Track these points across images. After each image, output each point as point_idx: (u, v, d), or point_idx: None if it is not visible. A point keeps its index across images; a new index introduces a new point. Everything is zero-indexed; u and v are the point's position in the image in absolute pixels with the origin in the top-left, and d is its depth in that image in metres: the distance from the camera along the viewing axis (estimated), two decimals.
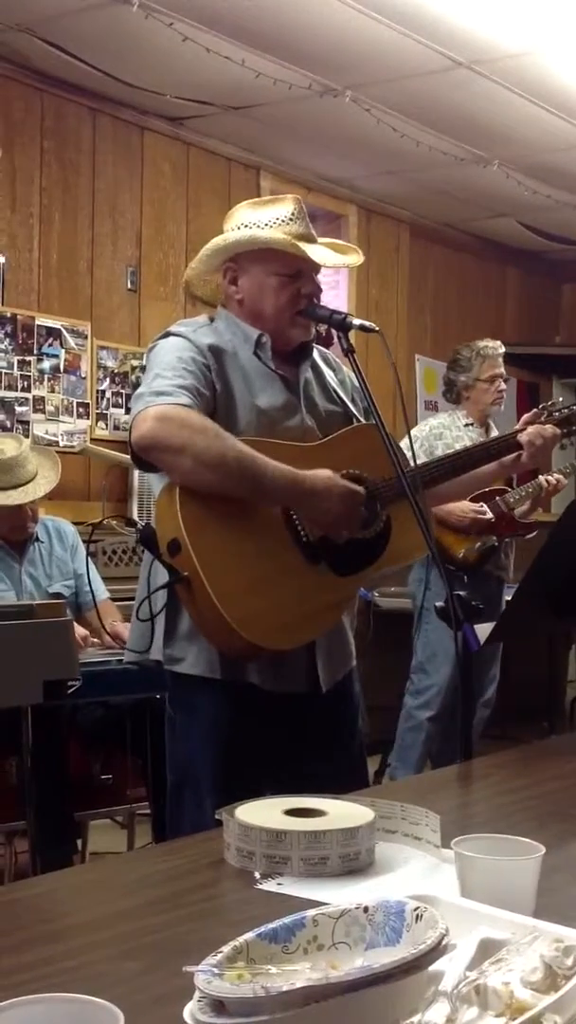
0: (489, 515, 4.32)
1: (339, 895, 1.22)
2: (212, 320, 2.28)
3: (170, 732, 2.26)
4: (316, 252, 2.22)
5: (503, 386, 4.59)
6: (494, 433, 4.59)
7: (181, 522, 2.04)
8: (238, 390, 2.20)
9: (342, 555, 2.20)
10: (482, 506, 4.31)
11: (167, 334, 2.24)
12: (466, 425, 4.51)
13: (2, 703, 2.31)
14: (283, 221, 2.22)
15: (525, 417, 2.49)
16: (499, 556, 4.44)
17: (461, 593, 2.02)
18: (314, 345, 2.35)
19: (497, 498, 4.35)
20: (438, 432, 4.48)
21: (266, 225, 2.23)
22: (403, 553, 2.33)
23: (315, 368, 2.35)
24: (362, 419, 2.35)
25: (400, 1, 4.32)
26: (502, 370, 4.58)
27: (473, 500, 4.25)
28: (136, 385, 5.49)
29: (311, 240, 2.25)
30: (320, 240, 2.29)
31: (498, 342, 4.63)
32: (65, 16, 4.52)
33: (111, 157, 5.47)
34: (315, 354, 2.36)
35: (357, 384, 2.36)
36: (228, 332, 2.25)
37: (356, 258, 2.35)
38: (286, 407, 2.24)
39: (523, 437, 2.41)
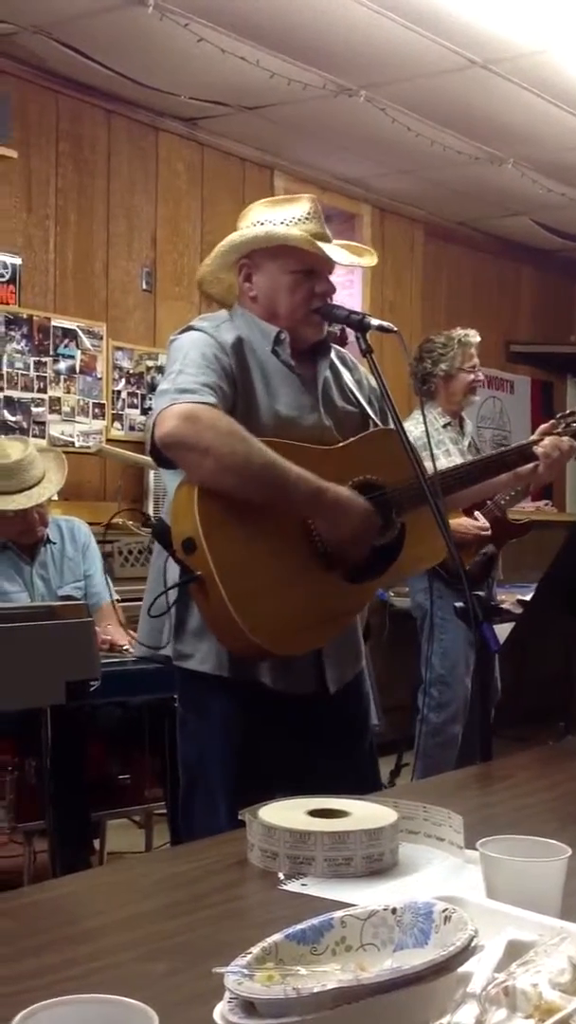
0: (489, 531, 4.24)
1: (364, 896, 1.22)
2: (232, 316, 2.27)
3: (181, 732, 2.26)
4: (332, 251, 2.22)
5: (480, 376, 4.50)
6: (468, 427, 4.54)
7: (198, 521, 2.02)
8: (258, 388, 2.19)
9: (356, 562, 2.19)
10: (481, 519, 4.23)
11: (189, 328, 2.23)
12: (444, 426, 4.36)
13: (26, 704, 2.32)
14: (299, 220, 2.22)
15: (542, 428, 2.47)
16: (498, 562, 4.39)
17: (480, 593, 2.02)
18: (332, 344, 2.34)
19: (488, 502, 4.23)
20: (422, 443, 4.36)
21: (281, 223, 2.22)
22: (416, 562, 2.31)
23: (333, 368, 2.34)
24: (378, 420, 2.34)
25: (415, 0, 4.31)
26: (477, 360, 4.49)
27: (466, 510, 4.15)
28: (152, 386, 5.53)
29: (327, 240, 2.24)
30: (335, 241, 2.29)
31: (473, 330, 4.45)
32: (80, 18, 4.53)
33: (126, 158, 5.48)
34: (332, 353, 2.36)
35: (374, 385, 2.36)
36: (247, 328, 2.23)
37: (370, 259, 2.34)
38: (304, 406, 2.24)
39: (539, 449, 2.39)
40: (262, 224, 2.23)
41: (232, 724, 2.16)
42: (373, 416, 2.35)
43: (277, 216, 2.24)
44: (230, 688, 2.16)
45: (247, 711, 2.16)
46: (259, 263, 2.24)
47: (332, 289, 2.26)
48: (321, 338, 2.29)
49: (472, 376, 4.38)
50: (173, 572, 2.09)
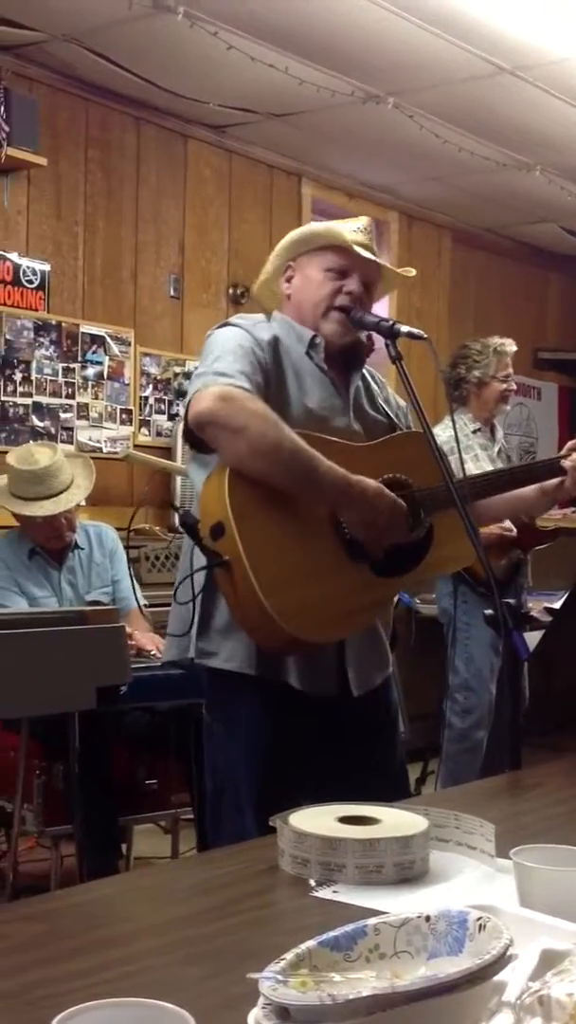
0: (514, 531, 4.22)
1: (395, 903, 1.22)
2: (268, 318, 2.31)
3: (207, 736, 2.26)
4: (368, 255, 2.24)
5: (513, 385, 4.50)
6: (499, 435, 4.53)
7: (229, 505, 2.02)
8: (291, 385, 2.22)
9: (383, 556, 2.19)
10: (506, 521, 4.21)
11: (226, 324, 2.26)
12: (474, 432, 4.36)
13: (57, 708, 2.33)
14: (351, 231, 2.27)
15: (570, 444, 2.46)
16: (526, 567, 4.37)
17: (510, 601, 2.02)
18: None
19: None
20: (450, 447, 4.38)
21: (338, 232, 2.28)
22: (444, 563, 2.33)
23: (364, 380, 2.38)
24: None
25: (443, 7, 4.32)
26: (511, 370, 4.49)
27: None
28: (179, 392, 5.55)
29: (373, 253, 2.28)
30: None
31: (509, 339, 4.47)
32: (111, 26, 4.56)
33: (155, 165, 5.51)
34: (364, 370, 2.39)
35: (402, 404, 2.41)
36: (282, 330, 2.27)
37: (407, 270, 2.37)
38: (336, 407, 2.27)
39: (567, 463, 2.37)
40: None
41: (258, 726, 2.16)
42: (402, 429, 2.38)
43: (331, 227, 2.31)
44: (256, 688, 2.16)
45: (273, 713, 2.17)
46: (301, 264, 2.30)
47: (362, 294, 2.27)
48: (344, 342, 2.29)
49: (505, 385, 4.38)
50: (200, 561, 2.10)
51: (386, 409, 2.39)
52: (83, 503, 3.73)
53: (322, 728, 2.21)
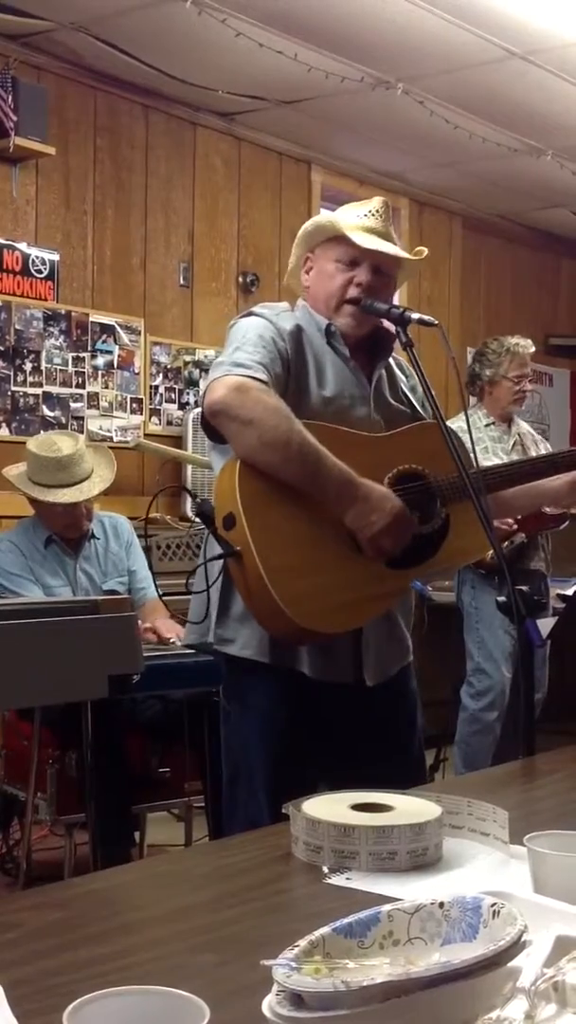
0: (509, 524, 4.19)
1: (409, 890, 1.22)
2: (292, 309, 2.32)
3: (224, 722, 2.27)
4: (367, 240, 2.23)
5: (528, 387, 4.50)
6: (517, 429, 4.50)
7: (239, 496, 2.05)
8: (311, 375, 2.22)
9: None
10: None
11: (249, 313, 2.28)
12: (487, 425, 4.38)
13: (69, 697, 2.34)
14: (360, 216, 2.27)
15: None
16: (536, 551, 4.36)
17: (524, 588, 2.01)
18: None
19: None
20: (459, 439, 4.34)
21: (343, 219, 2.28)
22: (459, 554, 2.30)
23: (388, 369, 2.37)
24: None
25: None
26: (529, 370, 4.48)
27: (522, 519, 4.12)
28: (190, 380, 5.55)
29: (384, 236, 2.26)
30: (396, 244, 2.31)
31: (528, 340, 4.49)
32: (119, 14, 4.54)
33: (163, 153, 5.50)
34: (391, 359, 2.38)
35: (422, 391, 2.38)
36: (304, 321, 2.28)
37: (410, 254, 2.34)
38: (356, 397, 2.26)
39: None
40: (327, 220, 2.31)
41: (273, 713, 2.18)
42: (424, 419, 2.36)
43: (343, 213, 2.31)
44: (271, 676, 2.18)
45: (288, 700, 2.18)
46: (316, 256, 2.31)
47: (373, 282, 2.26)
48: (360, 333, 2.29)
49: (517, 386, 4.38)
50: (214, 550, 2.12)
51: (410, 398, 2.38)
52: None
53: (337, 716, 2.21)
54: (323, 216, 2.35)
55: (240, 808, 2.20)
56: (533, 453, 4.32)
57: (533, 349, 4.50)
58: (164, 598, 3.69)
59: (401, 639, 2.33)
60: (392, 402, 2.33)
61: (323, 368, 2.24)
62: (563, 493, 2.43)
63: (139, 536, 3.83)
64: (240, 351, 2.13)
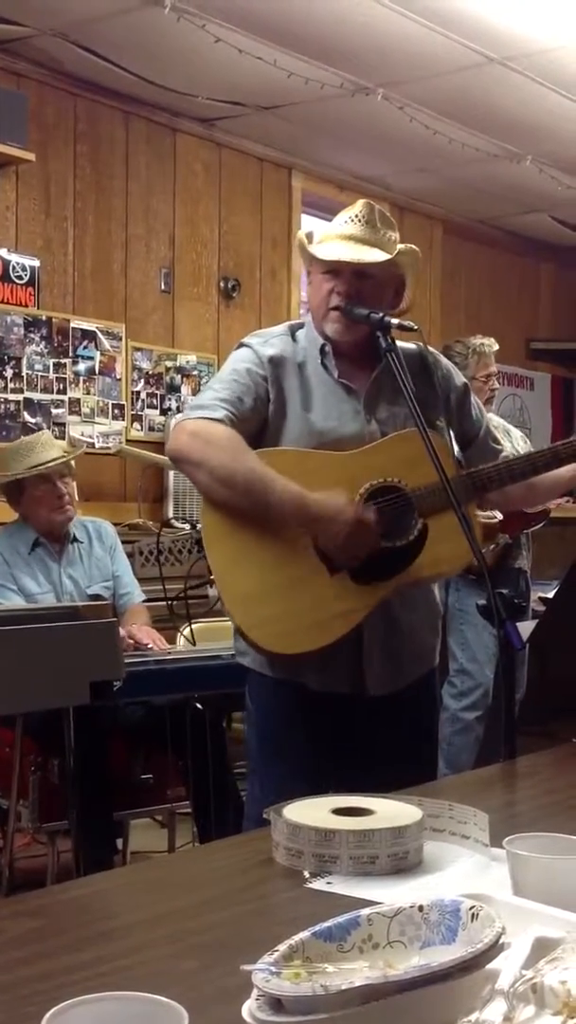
0: (497, 519, 4.19)
1: (389, 894, 1.22)
2: (294, 329, 2.34)
3: (245, 722, 2.41)
4: (331, 249, 2.23)
5: (496, 385, 4.51)
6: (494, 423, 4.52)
7: (203, 529, 2.22)
8: (291, 401, 2.25)
9: (364, 564, 2.18)
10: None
11: (240, 344, 2.33)
12: None
13: (51, 704, 2.34)
14: (342, 223, 2.28)
15: None
16: (518, 551, 4.38)
17: (503, 591, 2.02)
18: (392, 350, 2.23)
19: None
20: None
21: (328, 228, 2.32)
22: (438, 563, 2.24)
23: (390, 372, 2.23)
24: (442, 420, 2.28)
25: None
26: (495, 368, 4.49)
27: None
28: (171, 386, 5.55)
29: (362, 240, 2.24)
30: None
31: (492, 339, 4.48)
32: (98, 20, 4.54)
33: (144, 159, 5.49)
34: (392, 358, 2.22)
35: (458, 384, 2.39)
36: (306, 340, 2.32)
37: (379, 254, 2.24)
38: (344, 414, 2.26)
39: None
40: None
41: (274, 723, 2.29)
42: (441, 415, 2.28)
43: (334, 220, 2.33)
44: (276, 687, 2.27)
45: (290, 711, 2.26)
46: (311, 271, 2.35)
47: (350, 289, 2.24)
48: (348, 339, 2.27)
49: (486, 386, 4.39)
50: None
51: (420, 398, 2.21)
52: (76, 498, 3.74)
53: (343, 724, 2.25)
54: (304, 229, 2.41)
55: (252, 806, 2.29)
56: (507, 445, 4.32)
57: (497, 347, 4.49)
58: (145, 604, 3.71)
59: (418, 648, 2.33)
60: (387, 408, 2.27)
61: (309, 391, 2.26)
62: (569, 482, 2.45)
63: (124, 542, 3.83)
64: (209, 390, 2.24)
